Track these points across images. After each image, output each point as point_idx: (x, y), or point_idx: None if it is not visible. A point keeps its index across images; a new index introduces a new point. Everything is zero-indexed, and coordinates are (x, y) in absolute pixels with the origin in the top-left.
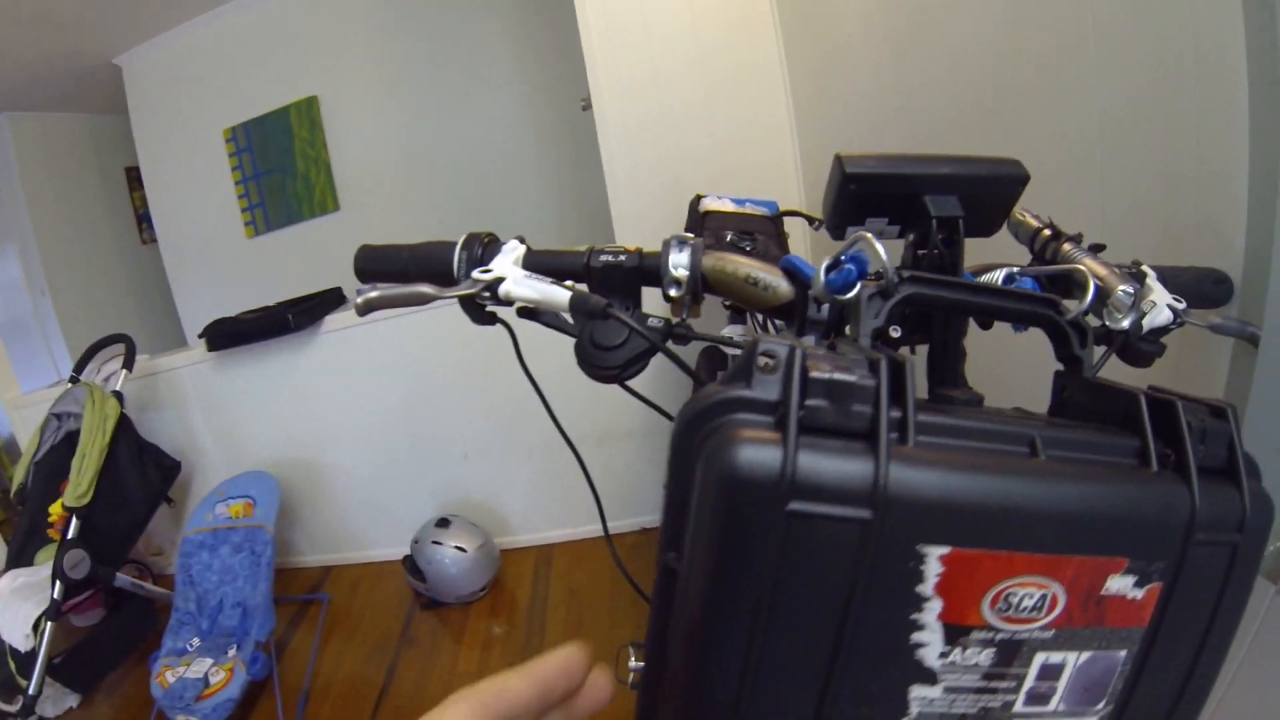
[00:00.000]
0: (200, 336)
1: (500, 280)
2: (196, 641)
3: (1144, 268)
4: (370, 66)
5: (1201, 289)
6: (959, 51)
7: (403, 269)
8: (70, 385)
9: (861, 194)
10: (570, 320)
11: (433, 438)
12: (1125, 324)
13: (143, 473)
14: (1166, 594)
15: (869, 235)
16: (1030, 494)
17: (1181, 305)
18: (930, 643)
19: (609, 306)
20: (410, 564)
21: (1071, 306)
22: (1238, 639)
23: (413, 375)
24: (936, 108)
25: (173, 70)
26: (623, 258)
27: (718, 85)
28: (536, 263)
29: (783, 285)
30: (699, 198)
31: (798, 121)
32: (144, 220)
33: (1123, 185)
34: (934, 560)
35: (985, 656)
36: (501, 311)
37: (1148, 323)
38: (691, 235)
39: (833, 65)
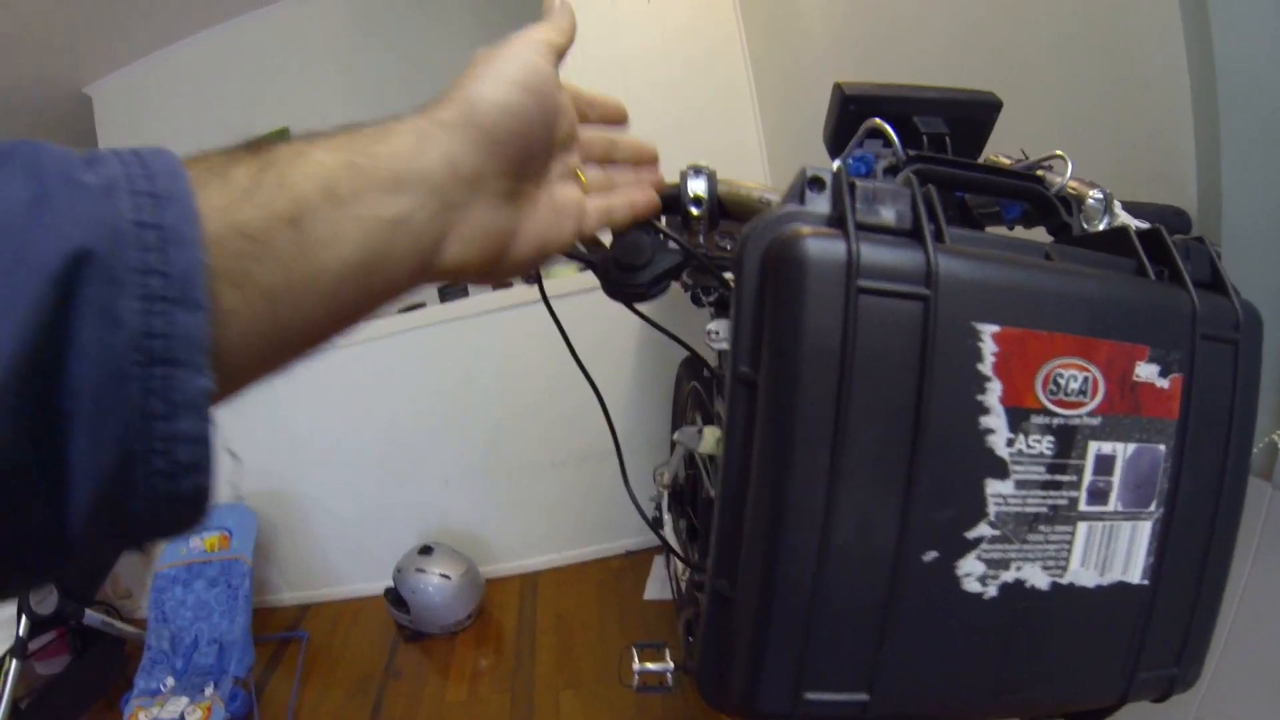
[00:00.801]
0: None
1: None
2: (170, 681)
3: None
4: (342, 99)
5: (1163, 219)
6: (918, 64)
7: None
8: None
9: (860, 114)
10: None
11: (413, 465)
12: (1101, 226)
13: None
14: (1188, 384)
15: (878, 120)
16: (1058, 281)
17: (1147, 227)
18: (997, 429)
19: None
20: (393, 595)
21: (1054, 184)
22: (1243, 541)
23: (392, 401)
24: None
25: (143, 100)
26: None
27: (690, 114)
28: None
29: None
30: None
31: (767, 141)
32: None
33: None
34: (988, 338)
35: (1046, 444)
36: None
37: None
38: (706, 164)
39: (800, 87)
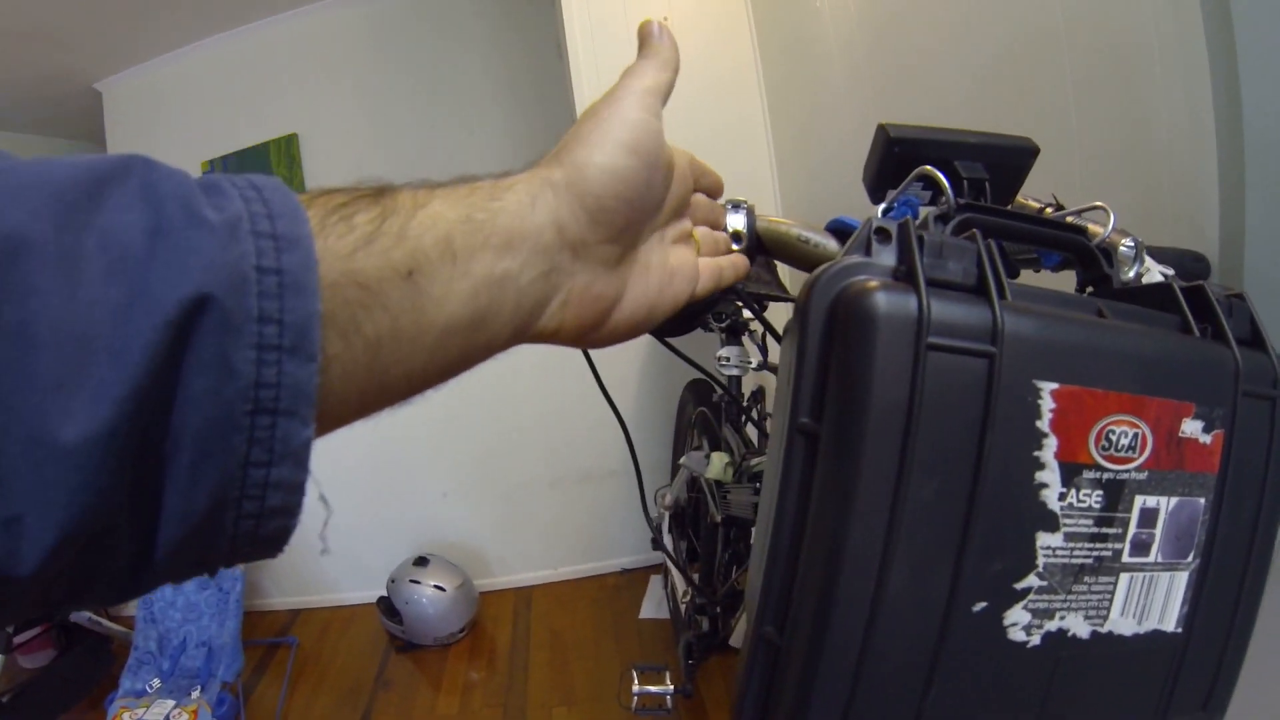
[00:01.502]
0: None
1: None
2: (157, 683)
3: (1142, 244)
4: (351, 106)
5: (1182, 265)
6: (941, 101)
7: None
8: None
9: (903, 156)
10: None
11: (411, 476)
12: (1131, 274)
13: None
14: (1229, 439)
15: (930, 168)
16: (1112, 339)
17: (1171, 273)
18: (1051, 483)
19: None
20: (385, 605)
21: (1096, 234)
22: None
23: (393, 412)
24: None
25: (154, 99)
26: None
27: (703, 142)
28: None
29: (831, 243)
30: None
31: (779, 172)
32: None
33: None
34: (1047, 395)
35: (1096, 498)
36: None
37: (1146, 281)
38: (745, 199)
39: (816, 118)
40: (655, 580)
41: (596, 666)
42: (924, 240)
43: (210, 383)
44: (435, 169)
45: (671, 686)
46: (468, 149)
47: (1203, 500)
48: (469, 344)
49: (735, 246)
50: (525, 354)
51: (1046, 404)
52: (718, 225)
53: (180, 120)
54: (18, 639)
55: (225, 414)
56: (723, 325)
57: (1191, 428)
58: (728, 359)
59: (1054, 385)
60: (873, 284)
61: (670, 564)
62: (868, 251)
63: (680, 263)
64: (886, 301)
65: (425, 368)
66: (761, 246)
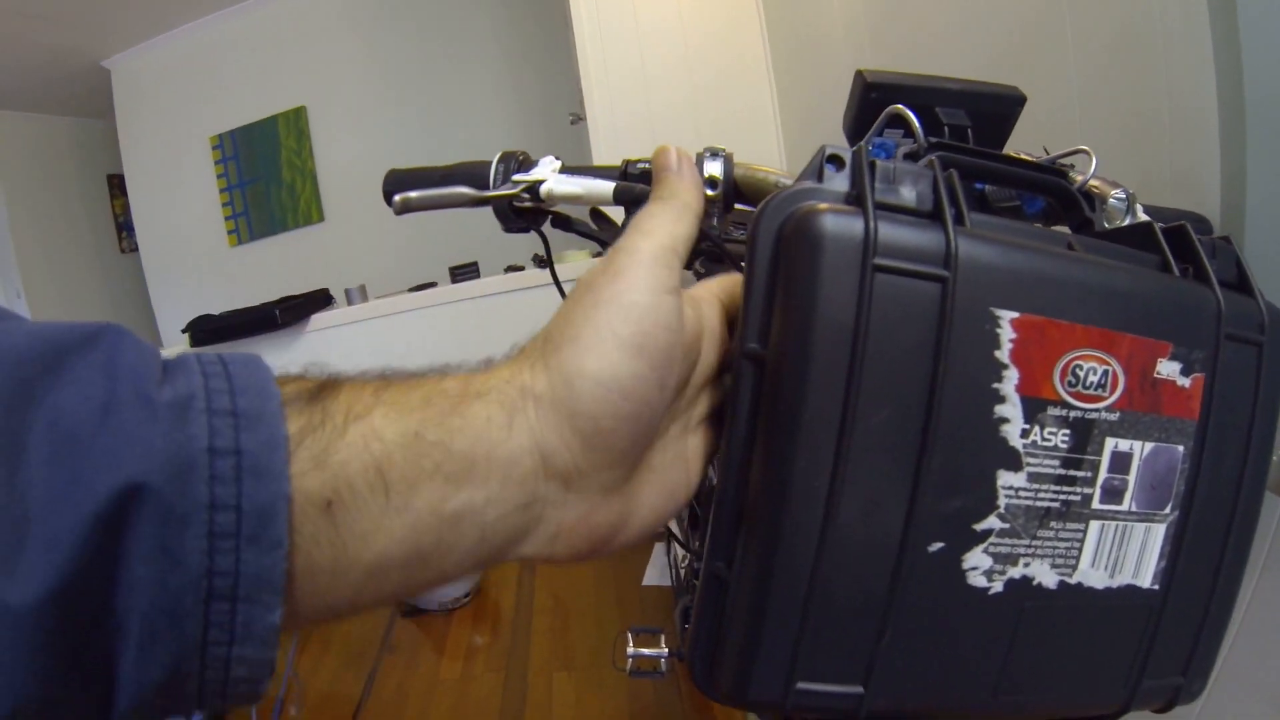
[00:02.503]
0: (184, 331)
1: (541, 182)
2: None
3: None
4: (360, 79)
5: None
6: (936, 38)
7: (436, 185)
8: None
9: (881, 101)
10: (599, 229)
11: None
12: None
13: None
14: (1209, 385)
15: (900, 107)
16: (1081, 271)
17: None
18: (1012, 418)
19: None
20: None
21: (1077, 179)
22: (1256, 548)
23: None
24: None
25: (162, 75)
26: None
27: (705, 83)
28: (574, 173)
29: None
30: None
31: (781, 115)
32: (124, 229)
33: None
34: (1007, 324)
35: (1062, 437)
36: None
37: None
38: (723, 147)
39: (816, 59)
40: (659, 548)
41: (598, 632)
42: (876, 166)
43: (152, 572)
44: (443, 140)
45: (666, 650)
46: (476, 120)
47: (1181, 448)
48: (411, 580)
49: (710, 192)
50: (531, 316)
51: (1006, 333)
52: None
53: (189, 96)
54: None
55: (172, 602)
56: None
57: (1168, 369)
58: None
59: (1014, 314)
60: (820, 206)
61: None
62: (820, 178)
63: (694, 449)
64: (833, 223)
65: (354, 601)
66: (740, 194)
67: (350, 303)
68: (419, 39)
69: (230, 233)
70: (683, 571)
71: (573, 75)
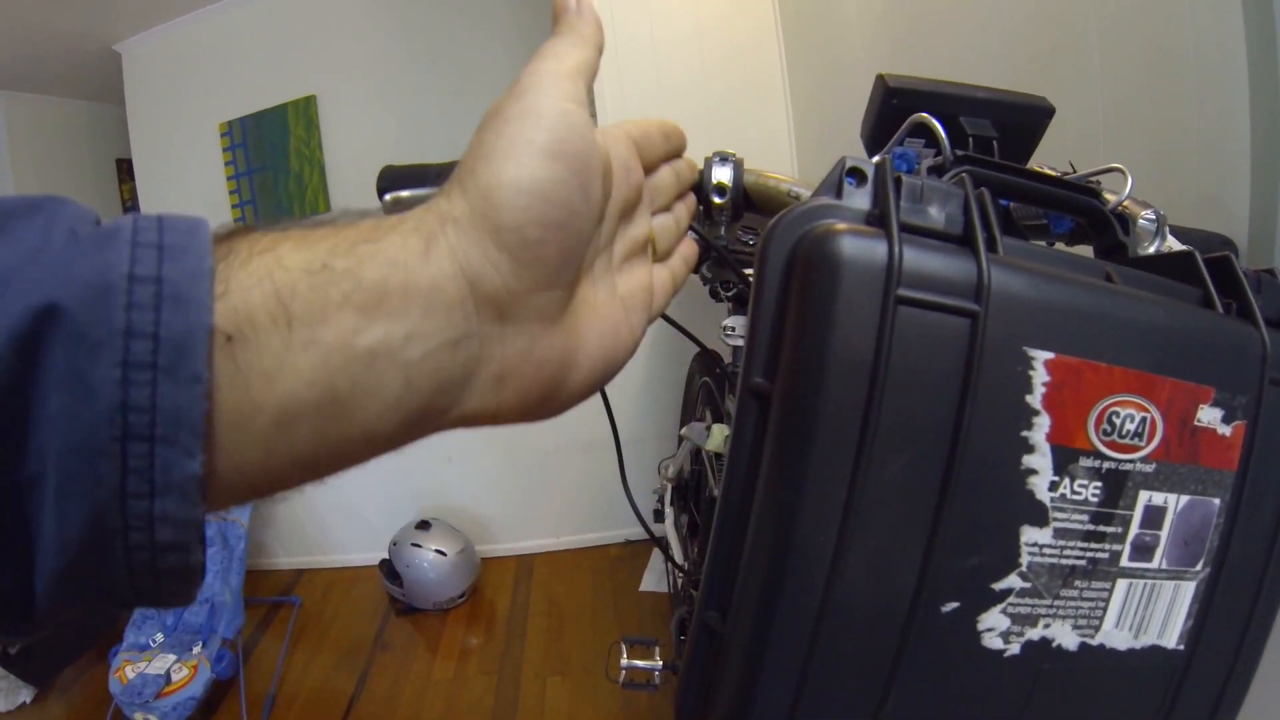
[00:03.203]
0: None
1: None
2: (160, 637)
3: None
4: (370, 70)
5: (1209, 247)
6: (957, 54)
7: (432, 182)
8: None
9: (902, 109)
10: None
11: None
12: (1152, 249)
13: None
14: (1251, 433)
15: (925, 115)
16: (1122, 307)
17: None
18: (1041, 469)
19: None
20: (387, 568)
21: (1110, 200)
22: None
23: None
24: None
25: (173, 60)
26: None
27: (720, 99)
28: None
29: None
30: None
31: (797, 134)
32: (132, 213)
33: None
34: (1040, 366)
35: (1093, 491)
36: None
37: None
38: (733, 152)
39: (834, 80)
40: (657, 553)
41: (594, 638)
42: (902, 182)
43: (65, 402)
44: (454, 135)
45: (660, 662)
46: (483, 110)
47: (1218, 501)
48: (329, 433)
49: (718, 200)
50: None
51: (1039, 376)
52: (682, 191)
53: (199, 81)
54: None
55: (86, 438)
56: (729, 294)
57: (1209, 416)
58: (733, 329)
59: (1048, 355)
60: (839, 227)
61: (656, 542)
62: (838, 194)
63: (633, 289)
64: (852, 246)
65: (267, 463)
66: (749, 203)
67: None
68: (431, 30)
69: (237, 220)
70: (680, 581)
71: None
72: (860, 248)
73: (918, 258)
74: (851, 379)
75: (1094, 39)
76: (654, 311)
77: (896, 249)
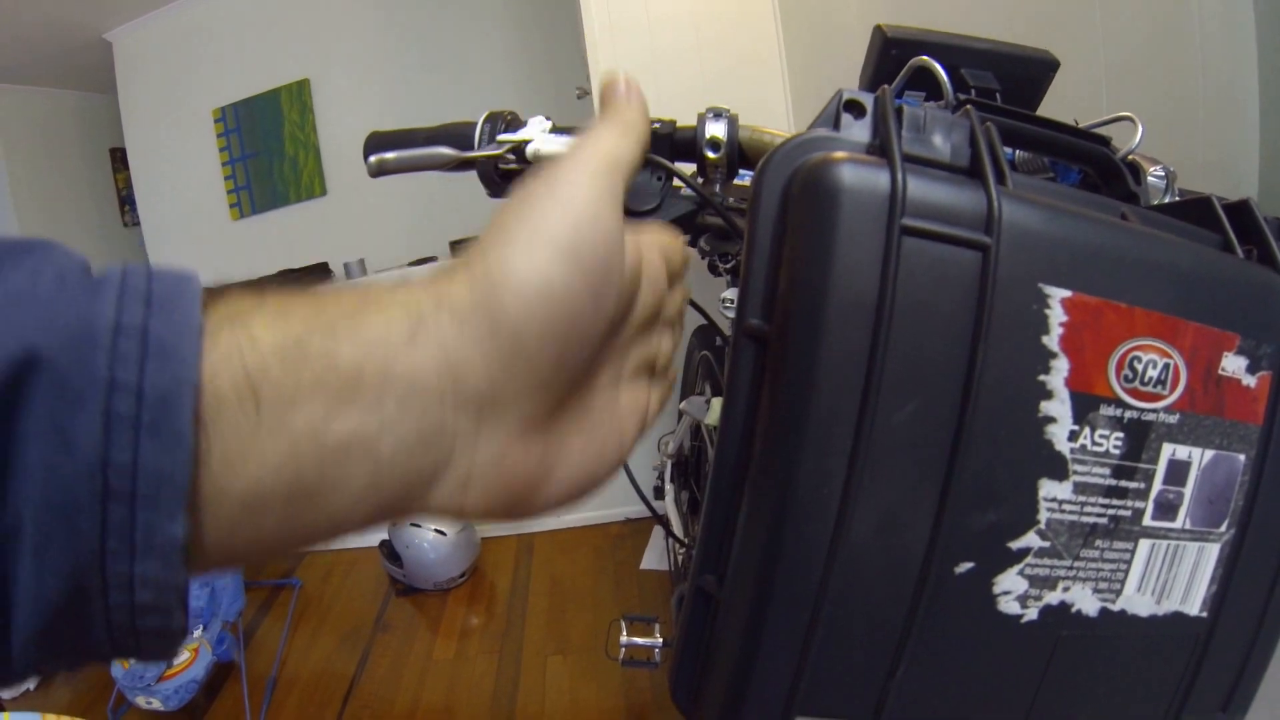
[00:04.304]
0: None
1: (527, 142)
2: None
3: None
4: (364, 52)
5: None
6: (956, 10)
7: (419, 146)
8: None
9: (902, 60)
10: None
11: None
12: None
13: None
14: (1277, 384)
15: (926, 59)
16: (1141, 246)
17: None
18: (1059, 417)
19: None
20: (387, 549)
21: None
22: None
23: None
24: None
25: (164, 48)
26: (656, 125)
27: (716, 67)
28: (565, 133)
29: None
30: None
31: (794, 102)
32: (127, 202)
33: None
34: (1057, 305)
35: (1115, 442)
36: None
37: None
38: (728, 108)
39: (831, 47)
40: (658, 531)
41: (594, 616)
42: (904, 112)
43: (44, 454)
44: (448, 114)
45: (660, 639)
46: (481, 93)
47: (1242, 457)
48: (297, 523)
49: (712, 155)
50: None
51: (1056, 315)
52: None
53: (192, 68)
54: None
55: (65, 493)
56: (728, 266)
57: (1234, 364)
58: (731, 302)
59: (1066, 293)
60: (838, 155)
61: (658, 519)
62: (836, 126)
63: (634, 405)
64: (852, 174)
65: (230, 543)
66: (744, 158)
67: (349, 276)
68: (425, 11)
69: (232, 206)
70: (680, 558)
71: (579, 49)
72: (861, 175)
73: (923, 187)
74: (854, 318)
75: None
76: (647, 431)
77: (900, 175)
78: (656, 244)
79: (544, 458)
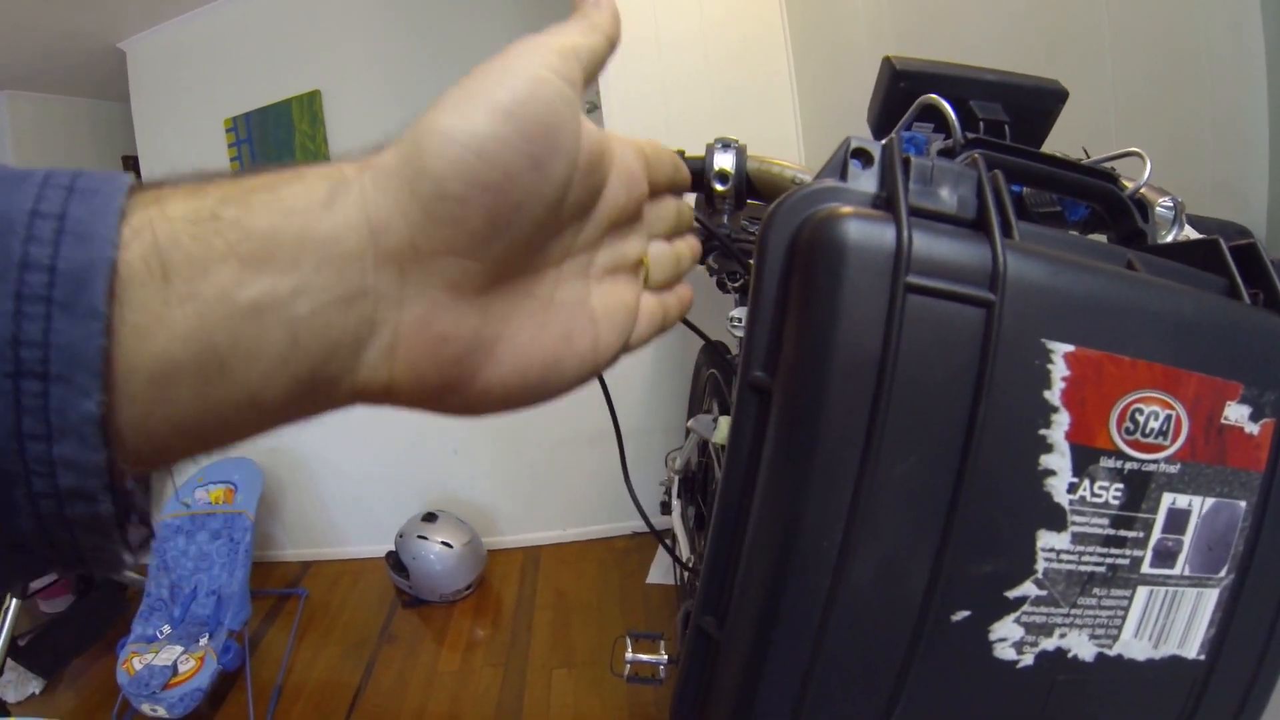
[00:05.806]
0: None
1: None
2: (167, 629)
3: (1183, 205)
4: (375, 64)
5: (1225, 236)
6: (964, 39)
7: None
8: None
9: (910, 92)
10: None
11: (423, 431)
12: (1170, 238)
13: None
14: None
15: (934, 97)
16: (1145, 297)
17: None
18: (1059, 470)
19: None
20: (393, 560)
21: (1128, 186)
22: None
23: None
24: None
25: (177, 57)
26: None
27: (726, 92)
28: None
29: None
30: None
31: (804, 126)
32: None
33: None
34: (1059, 359)
35: (1114, 493)
36: None
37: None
38: (736, 139)
39: (841, 71)
40: None
41: (600, 631)
42: (910, 163)
43: None
44: None
45: (665, 656)
46: None
47: (1244, 504)
48: (210, 395)
49: (720, 187)
50: None
51: (1058, 370)
52: (681, 230)
53: (204, 78)
54: (37, 583)
55: None
56: (736, 285)
57: (1236, 413)
58: (739, 320)
59: (1068, 348)
60: (844, 210)
61: (657, 537)
62: (843, 176)
63: (611, 305)
64: (858, 230)
65: (145, 425)
66: (753, 190)
67: None
68: (436, 25)
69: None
70: (685, 575)
71: None
72: (867, 232)
73: (928, 243)
74: (858, 373)
75: (1105, 22)
76: (635, 339)
77: (906, 233)
78: (634, 144)
79: (481, 329)
